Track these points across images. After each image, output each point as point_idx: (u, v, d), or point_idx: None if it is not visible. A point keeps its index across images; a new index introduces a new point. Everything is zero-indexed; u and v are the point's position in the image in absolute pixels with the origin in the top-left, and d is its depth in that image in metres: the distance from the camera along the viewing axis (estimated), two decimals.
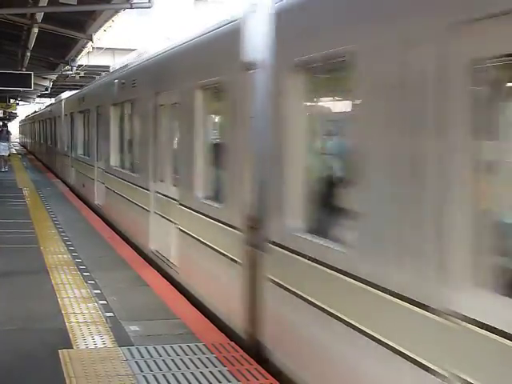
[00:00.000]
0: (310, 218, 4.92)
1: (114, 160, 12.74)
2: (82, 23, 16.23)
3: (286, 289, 4.99)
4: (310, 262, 4.62)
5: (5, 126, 36.35)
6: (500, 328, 2.91)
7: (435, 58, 3.29)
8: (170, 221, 8.37)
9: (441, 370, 3.25)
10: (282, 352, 5.14)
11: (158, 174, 9.21)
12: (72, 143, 19.63)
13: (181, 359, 5.32)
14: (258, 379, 4.94)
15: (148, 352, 5.45)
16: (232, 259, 6.13)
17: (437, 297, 3.29)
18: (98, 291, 7.42)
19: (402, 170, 3.61)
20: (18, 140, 70.44)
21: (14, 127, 77.42)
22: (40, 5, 13.15)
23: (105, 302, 6.96)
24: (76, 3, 12.59)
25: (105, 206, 13.63)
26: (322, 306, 4.42)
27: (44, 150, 32.71)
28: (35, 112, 43.96)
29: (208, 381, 4.90)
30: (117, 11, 13.91)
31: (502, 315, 2.94)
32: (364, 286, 3.92)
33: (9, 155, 28.25)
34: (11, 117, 53.06)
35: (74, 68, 22.12)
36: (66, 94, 24.49)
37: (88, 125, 16.40)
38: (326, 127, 5.33)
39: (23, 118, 62.56)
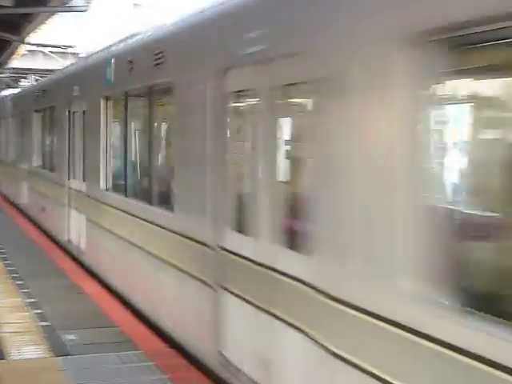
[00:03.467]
0: None
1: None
2: (18, 25, 15.90)
3: None
4: None
5: None
6: None
7: None
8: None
9: None
10: None
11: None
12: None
13: (119, 368, 5.25)
14: None
15: (85, 361, 5.37)
16: None
17: None
18: (33, 300, 7.25)
19: None
20: None
21: None
22: None
23: (40, 311, 6.81)
24: (12, 5, 12.33)
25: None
26: None
27: None
28: None
29: None
30: (53, 13, 13.71)
31: None
32: None
33: None
34: None
35: (7, 71, 21.66)
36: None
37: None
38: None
39: None
